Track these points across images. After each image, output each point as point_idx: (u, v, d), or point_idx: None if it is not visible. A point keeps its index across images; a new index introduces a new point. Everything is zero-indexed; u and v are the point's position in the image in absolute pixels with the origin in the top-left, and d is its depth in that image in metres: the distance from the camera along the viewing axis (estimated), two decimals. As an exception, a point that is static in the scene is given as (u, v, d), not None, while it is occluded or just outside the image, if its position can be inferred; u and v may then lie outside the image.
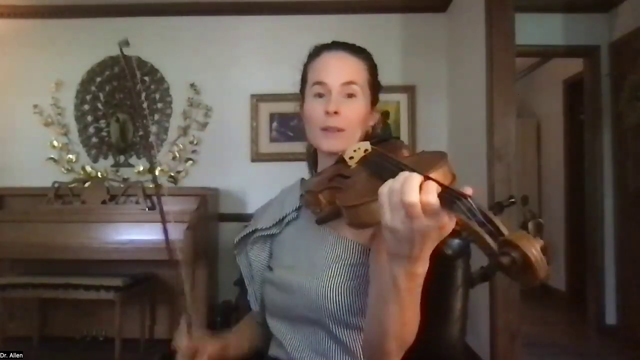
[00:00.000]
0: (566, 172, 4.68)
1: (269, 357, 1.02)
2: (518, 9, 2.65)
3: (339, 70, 0.96)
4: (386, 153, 0.79)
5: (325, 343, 0.91)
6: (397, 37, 3.63)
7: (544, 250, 0.46)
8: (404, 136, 3.58)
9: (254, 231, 1.07)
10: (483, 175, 2.72)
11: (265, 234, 1.05)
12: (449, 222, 0.58)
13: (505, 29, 2.62)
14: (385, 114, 3.59)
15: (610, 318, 3.61)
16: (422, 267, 0.67)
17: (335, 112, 0.94)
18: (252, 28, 3.66)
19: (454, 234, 0.57)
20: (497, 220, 0.51)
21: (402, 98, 3.59)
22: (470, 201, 0.54)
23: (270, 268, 1.03)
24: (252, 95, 3.62)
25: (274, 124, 3.62)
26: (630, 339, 3.32)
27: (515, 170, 2.60)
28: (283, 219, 1.04)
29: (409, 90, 3.59)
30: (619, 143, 3.52)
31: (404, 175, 0.61)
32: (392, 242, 0.64)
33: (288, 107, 3.28)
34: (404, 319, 0.75)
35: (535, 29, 3.54)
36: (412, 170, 0.62)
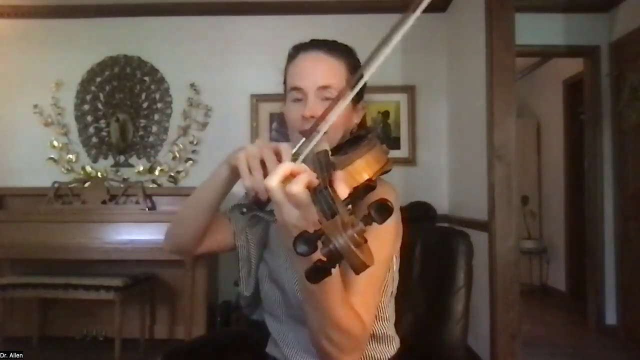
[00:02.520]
0: (566, 172, 4.68)
1: (266, 354, 1.05)
2: (518, 9, 2.65)
3: (314, 74, 0.94)
4: (327, 153, 0.76)
5: None
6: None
7: (360, 235, 0.48)
8: (404, 136, 3.58)
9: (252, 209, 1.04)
10: (483, 175, 2.72)
11: (265, 217, 1.03)
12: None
13: (505, 29, 2.62)
14: (385, 114, 3.59)
15: (610, 318, 3.61)
16: None
17: (312, 117, 0.92)
18: (252, 28, 3.66)
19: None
20: (340, 208, 0.52)
21: (402, 98, 3.59)
22: (330, 191, 0.55)
23: (264, 258, 1.03)
24: (252, 95, 3.62)
25: (274, 124, 3.62)
26: (630, 339, 3.32)
27: (515, 170, 2.60)
28: None
29: (409, 90, 3.59)
30: (619, 143, 3.52)
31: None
32: (281, 237, 0.66)
33: (288, 107, 3.28)
34: (329, 321, 0.73)
35: (535, 29, 3.53)
36: (327, 168, 0.63)
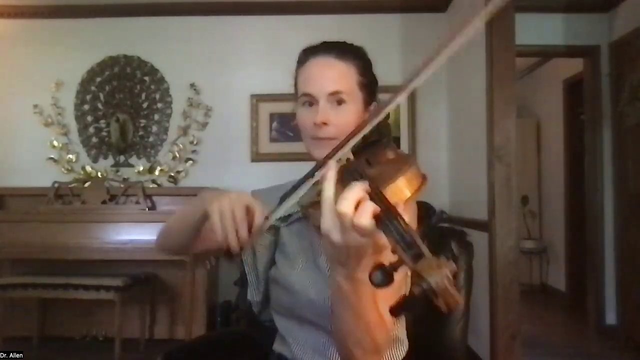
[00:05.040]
0: (566, 172, 4.67)
1: (273, 352, 1.04)
2: (518, 9, 2.65)
3: (324, 80, 0.93)
4: (358, 164, 0.75)
5: (329, 346, 0.92)
6: (397, 37, 3.62)
7: (452, 273, 0.49)
8: (404, 136, 3.58)
9: None
10: (483, 175, 2.72)
11: (275, 224, 1.03)
12: (386, 244, 0.57)
13: (505, 29, 2.62)
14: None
15: (610, 318, 3.61)
16: (363, 274, 0.66)
17: (324, 123, 0.92)
18: (252, 28, 3.66)
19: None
20: (423, 245, 0.53)
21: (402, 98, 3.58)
22: (401, 223, 0.55)
23: (275, 262, 1.03)
24: (252, 95, 3.62)
25: (274, 124, 3.62)
26: (630, 339, 3.32)
27: (515, 170, 2.60)
28: (290, 215, 1.02)
29: (409, 90, 3.59)
30: (619, 143, 3.52)
31: (351, 185, 0.61)
32: (329, 249, 0.65)
33: (288, 107, 3.28)
34: (360, 324, 0.73)
35: (535, 29, 3.53)
36: (373, 184, 0.63)
